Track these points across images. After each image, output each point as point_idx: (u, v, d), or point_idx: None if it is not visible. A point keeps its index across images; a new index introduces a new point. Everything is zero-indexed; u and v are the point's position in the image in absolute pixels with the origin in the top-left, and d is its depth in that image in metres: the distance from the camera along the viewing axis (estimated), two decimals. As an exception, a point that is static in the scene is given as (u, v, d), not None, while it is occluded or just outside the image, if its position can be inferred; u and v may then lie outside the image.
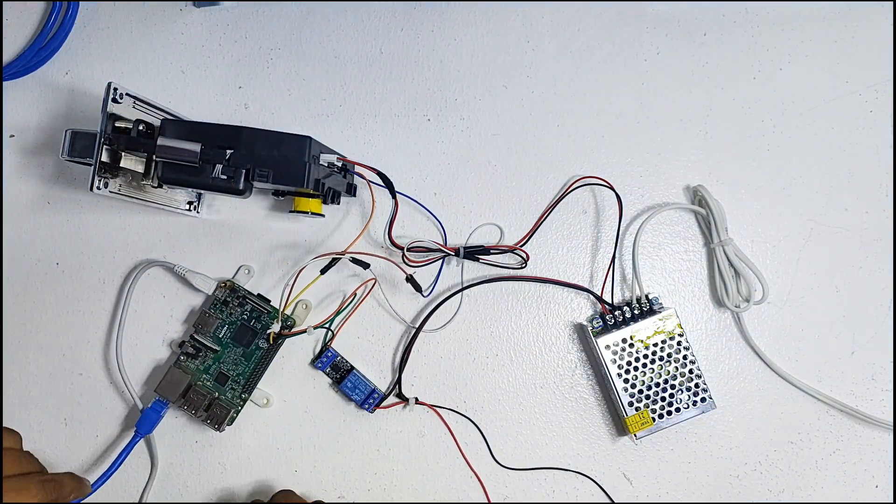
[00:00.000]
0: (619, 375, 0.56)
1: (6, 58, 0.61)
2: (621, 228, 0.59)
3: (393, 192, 0.55)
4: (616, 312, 0.57)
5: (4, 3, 0.62)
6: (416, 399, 0.59)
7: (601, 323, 0.57)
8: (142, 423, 0.57)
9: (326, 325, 0.58)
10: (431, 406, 0.59)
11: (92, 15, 0.62)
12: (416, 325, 0.58)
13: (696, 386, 0.56)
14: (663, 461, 0.59)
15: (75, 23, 0.61)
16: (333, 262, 0.56)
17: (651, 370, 0.56)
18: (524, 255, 0.58)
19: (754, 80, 0.60)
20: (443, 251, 0.58)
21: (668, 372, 0.56)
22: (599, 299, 0.58)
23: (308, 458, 0.60)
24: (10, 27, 0.62)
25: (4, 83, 0.61)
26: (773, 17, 0.61)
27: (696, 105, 0.60)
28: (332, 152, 0.53)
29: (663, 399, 0.56)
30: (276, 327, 0.57)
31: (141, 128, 0.52)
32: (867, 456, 0.59)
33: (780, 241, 0.60)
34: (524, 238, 0.59)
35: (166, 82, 0.61)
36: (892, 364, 0.59)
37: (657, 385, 0.56)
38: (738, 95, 0.60)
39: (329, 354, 0.59)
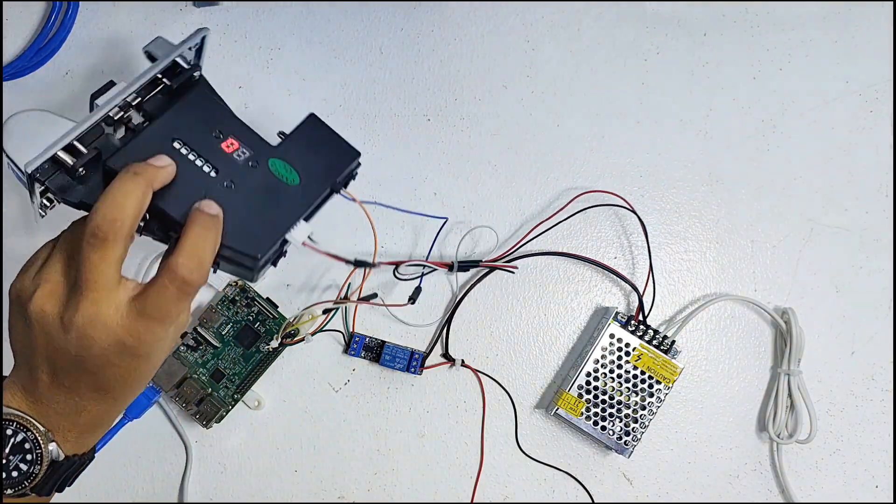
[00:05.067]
0: (595, 363, 0.56)
1: (6, 58, 0.61)
2: (651, 246, 0.59)
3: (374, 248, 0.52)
4: (641, 324, 0.57)
5: (4, 3, 0.62)
6: (463, 361, 0.59)
7: (625, 319, 0.57)
8: (132, 407, 0.57)
9: (323, 329, 0.58)
10: (476, 371, 0.59)
11: (92, 15, 0.62)
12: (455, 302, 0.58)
13: (633, 429, 0.56)
14: (663, 461, 0.59)
15: (75, 23, 0.61)
16: (335, 309, 0.57)
17: (618, 384, 0.56)
18: (513, 271, 0.58)
19: (754, 80, 0.60)
20: (435, 267, 0.58)
21: (629, 398, 0.56)
22: (640, 302, 0.58)
23: (308, 458, 0.60)
24: (10, 27, 0.61)
25: (4, 83, 0.61)
26: (773, 17, 0.61)
27: (696, 105, 0.60)
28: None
29: (603, 410, 0.56)
30: (274, 343, 0.57)
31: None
32: (867, 456, 0.59)
33: (780, 241, 0.60)
34: (512, 248, 0.59)
35: (166, 82, 0.61)
36: (892, 364, 0.59)
37: (610, 398, 0.56)
38: (738, 95, 0.60)
39: (357, 339, 0.59)
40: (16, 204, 0.61)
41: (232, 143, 0.43)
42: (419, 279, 0.58)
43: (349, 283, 0.59)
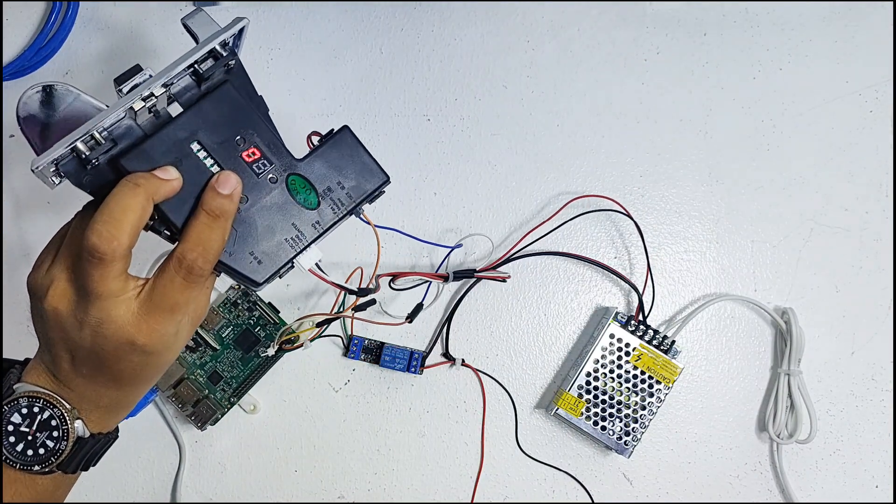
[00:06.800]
0: (595, 363, 0.56)
1: (6, 58, 0.61)
2: (648, 249, 0.59)
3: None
4: (641, 324, 0.57)
5: (4, 3, 0.62)
6: (463, 360, 0.59)
7: (625, 319, 0.57)
8: None
9: (322, 335, 0.58)
10: (476, 370, 0.59)
11: (92, 15, 0.62)
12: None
13: (633, 429, 0.56)
14: (663, 461, 0.59)
15: (75, 23, 0.61)
16: (329, 321, 0.57)
17: (618, 384, 0.56)
18: (504, 279, 0.58)
19: (754, 80, 0.60)
20: (432, 279, 0.58)
21: (628, 398, 0.56)
22: (640, 302, 0.58)
23: (308, 458, 0.59)
24: (10, 27, 0.61)
25: (4, 83, 0.61)
26: (773, 17, 0.61)
27: (696, 105, 0.60)
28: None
29: (603, 410, 0.56)
30: (271, 351, 0.57)
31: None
32: (867, 456, 0.59)
33: (780, 241, 0.60)
34: (506, 255, 0.58)
35: (166, 82, 0.61)
36: (892, 364, 0.59)
37: (610, 398, 0.56)
38: (738, 95, 0.60)
39: (356, 342, 0.59)
40: (18, 199, 0.61)
41: (253, 153, 0.40)
42: (424, 292, 0.58)
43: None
